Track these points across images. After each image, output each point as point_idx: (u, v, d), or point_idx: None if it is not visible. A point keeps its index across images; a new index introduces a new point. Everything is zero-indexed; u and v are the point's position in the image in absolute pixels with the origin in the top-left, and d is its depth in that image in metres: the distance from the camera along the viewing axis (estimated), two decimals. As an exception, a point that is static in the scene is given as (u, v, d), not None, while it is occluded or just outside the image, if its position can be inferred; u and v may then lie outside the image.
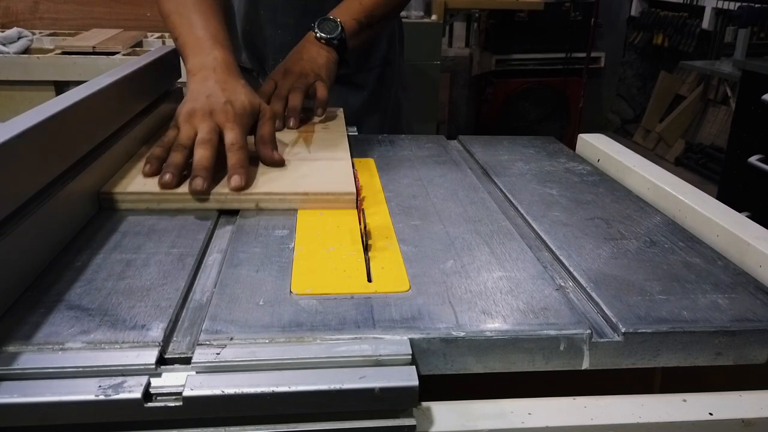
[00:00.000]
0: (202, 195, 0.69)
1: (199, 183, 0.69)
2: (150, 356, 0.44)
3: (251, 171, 0.74)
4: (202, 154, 0.71)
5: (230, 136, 0.73)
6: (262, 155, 0.78)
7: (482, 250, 0.62)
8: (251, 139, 0.79)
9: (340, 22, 1.00)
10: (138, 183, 0.71)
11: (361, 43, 1.06)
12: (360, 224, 0.65)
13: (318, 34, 0.99)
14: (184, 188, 0.70)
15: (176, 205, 0.69)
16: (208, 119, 0.74)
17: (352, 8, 1.02)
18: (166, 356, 0.45)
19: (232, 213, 0.70)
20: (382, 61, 1.23)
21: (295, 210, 0.70)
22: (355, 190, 0.71)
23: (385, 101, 1.25)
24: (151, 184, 0.71)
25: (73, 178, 0.64)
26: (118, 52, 2.01)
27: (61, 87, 1.88)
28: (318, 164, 0.79)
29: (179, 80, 1.10)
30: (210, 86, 0.78)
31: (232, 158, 0.72)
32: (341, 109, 1.05)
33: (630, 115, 4.58)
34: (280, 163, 0.78)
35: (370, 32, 1.06)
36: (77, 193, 0.64)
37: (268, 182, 0.73)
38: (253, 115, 0.79)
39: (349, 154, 0.84)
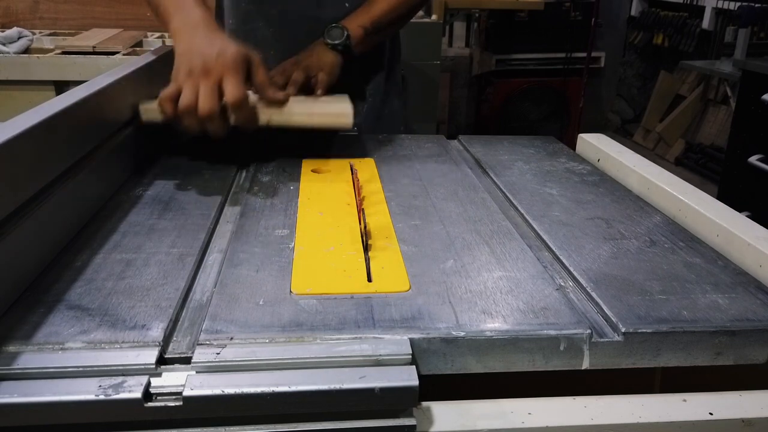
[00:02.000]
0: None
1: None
2: (150, 356, 0.44)
3: (265, 105, 0.82)
4: (213, 130, 0.79)
5: (229, 89, 0.78)
6: (266, 98, 0.83)
7: (482, 250, 0.62)
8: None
9: (346, 30, 1.06)
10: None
11: (367, 49, 1.11)
12: (360, 224, 0.65)
13: (326, 40, 1.06)
14: None
15: None
16: (205, 78, 0.78)
17: (360, 16, 1.08)
18: (166, 356, 0.45)
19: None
20: (384, 73, 1.25)
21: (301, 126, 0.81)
22: (351, 112, 0.83)
23: (382, 112, 1.27)
24: None
25: (73, 177, 0.64)
26: (118, 52, 2.01)
27: (61, 87, 1.88)
28: (321, 99, 0.93)
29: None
30: (198, 43, 0.81)
31: (238, 115, 0.79)
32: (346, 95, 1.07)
33: (630, 115, 4.58)
34: (284, 100, 0.85)
35: (376, 39, 1.11)
36: (78, 193, 0.64)
37: (279, 107, 0.83)
38: (246, 62, 0.82)
39: (349, 100, 0.89)
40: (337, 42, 1.05)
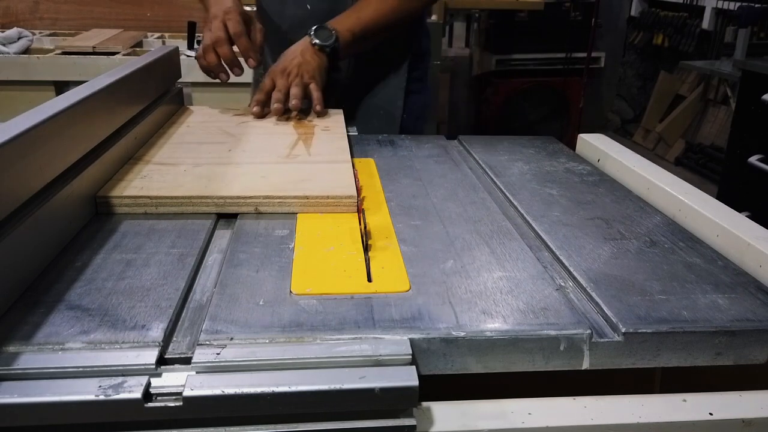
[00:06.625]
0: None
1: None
2: (150, 356, 0.44)
3: (251, 177, 0.73)
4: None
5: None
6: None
7: (482, 250, 0.62)
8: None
9: (335, 31, 1.05)
10: (135, 187, 0.70)
11: (354, 53, 1.12)
12: (360, 224, 0.65)
13: (313, 41, 1.05)
14: (180, 191, 0.69)
15: (174, 209, 0.68)
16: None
17: (350, 20, 1.08)
18: (166, 356, 0.45)
19: (230, 216, 0.69)
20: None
21: (295, 213, 0.69)
22: (356, 194, 0.70)
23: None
24: (148, 189, 0.69)
25: (73, 177, 0.64)
26: (118, 52, 2.01)
27: (61, 87, 1.88)
28: (318, 167, 0.78)
29: (179, 80, 1.10)
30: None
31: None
32: (341, 111, 1.05)
33: (630, 115, 4.58)
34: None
35: (364, 44, 1.11)
36: (78, 193, 0.64)
37: (268, 185, 0.71)
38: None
39: (349, 156, 0.83)
40: (326, 43, 1.04)
